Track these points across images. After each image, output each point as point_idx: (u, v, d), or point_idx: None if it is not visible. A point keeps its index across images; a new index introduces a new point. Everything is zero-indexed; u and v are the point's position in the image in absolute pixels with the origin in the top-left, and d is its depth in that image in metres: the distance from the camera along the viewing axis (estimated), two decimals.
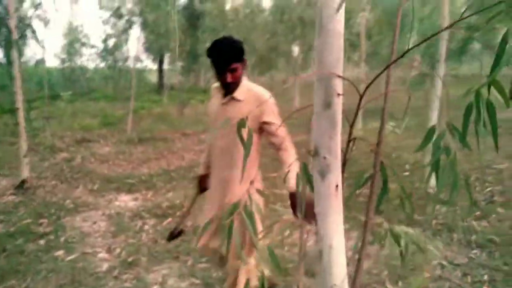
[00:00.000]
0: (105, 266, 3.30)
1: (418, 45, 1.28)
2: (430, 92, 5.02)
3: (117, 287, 2.96)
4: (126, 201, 4.99)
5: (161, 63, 24.02)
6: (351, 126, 1.21)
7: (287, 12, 15.33)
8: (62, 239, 3.83)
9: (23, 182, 5.33)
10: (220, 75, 2.09)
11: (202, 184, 2.47)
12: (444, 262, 3.16)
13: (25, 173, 5.40)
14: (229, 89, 2.13)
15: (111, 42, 18.16)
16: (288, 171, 2.00)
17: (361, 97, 1.19)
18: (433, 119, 4.75)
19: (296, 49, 22.32)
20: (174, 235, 2.52)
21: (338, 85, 1.13)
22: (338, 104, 1.14)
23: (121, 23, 18.54)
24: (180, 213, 2.44)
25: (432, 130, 1.17)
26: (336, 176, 1.17)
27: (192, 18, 20.80)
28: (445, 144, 1.14)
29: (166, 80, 25.45)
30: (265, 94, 2.14)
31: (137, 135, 9.26)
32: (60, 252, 3.54)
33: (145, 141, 8.85)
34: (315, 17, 1.12)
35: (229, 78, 2.07)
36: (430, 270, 2.98)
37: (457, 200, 4.28)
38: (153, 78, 25.78)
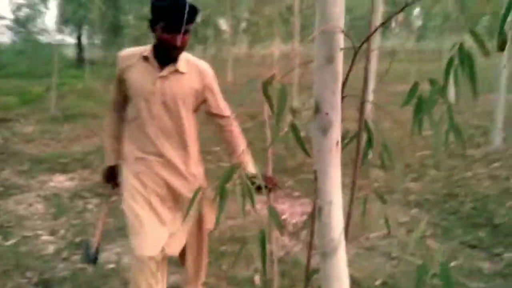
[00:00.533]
0: (51, 248, 3.11)
1: (400, 11, 1.32)
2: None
3: (69, 269, 2.80)
4: (61, 181, 4.69)
5: (79, 36, 22.48)
6: (343, 85, 1.23)
7: None
8: None
9: None
10: (171, 37, 1.76)
11: (114, 178, 2.08)
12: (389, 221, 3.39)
13: None
14: (171, 57, 1.84)
15: (23, 13, 16.52)
16: (241, 155, 1.97)
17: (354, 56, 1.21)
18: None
19: (224, 23, 22.12)
20: (92, 258, 2.16)
21: (340, 40, 1.13)
22: (340, 59, 1.15)
23: None
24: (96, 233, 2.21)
25: (416, 84, 1.24)
26: (337, 132, 1.19)
27: None
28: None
29: (85, 54, 23.93)
30: (207, 66, 1.97)
31: (62, 113, 8.66)
32: None
33: (71, 119, 8.31)
34: None
35: (179, 42, 1.77)
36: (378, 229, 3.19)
37: (394, 164, 4.59)
38: (69, 53, 24.07)
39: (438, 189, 4.08)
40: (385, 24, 1.31)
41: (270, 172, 1.88)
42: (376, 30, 1.26)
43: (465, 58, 1.07)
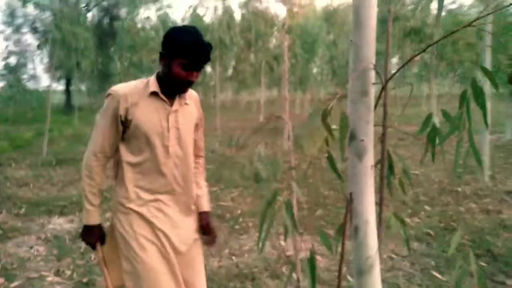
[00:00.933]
0: None
1: (421, 52, 1.51)
2: None
3: None
4: (61, 223, 4.66)
5: (68, 83, 22.73)
6: (384, 117, 1.37)
7: (207, 33, 15.55)
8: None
9: None
10: (188, 74, 1.73)
11: (103, 236, 1.89)
12: (393, 255, 3.47)
13: None
14: (183, 92, 1.82)
15: (13, 59, 16.75)
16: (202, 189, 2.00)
17: (383, 88, 1.36)
18: None
19: (211, 70, 22.68)
20: None
21: (372, 76, 1.29)
22: (372, 92, 1.30)
23: (25, 39, 17.22)
24: None
25: (429, 115, 1.40)
26: (370, 157, 1.32)
27: (104, 35, 20.09)
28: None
29: (73, 101, 24.09)
30: (197, 94, 1.98)
31: (54, 157, 8.65)
32: (1, 280, 3.21)
33: (63, 163, 8.30)
34: (353, 14, 1.27)
35: (196, 79, 1.77)
36: (384, 262, 3.26)
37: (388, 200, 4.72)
38: (56, 99, 24.20)
39: (435, 223, 4.20)
40: (401, 68, 1.50)
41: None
42: (397, 71, 1.43)
43: (478, 91, 1.24)
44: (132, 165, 1.80)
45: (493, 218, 4.41)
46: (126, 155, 1.80)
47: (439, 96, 13.38)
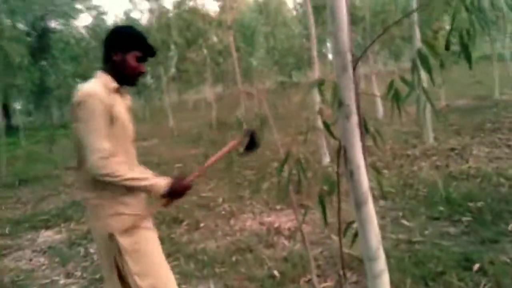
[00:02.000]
0: (75, 287, 3.29)
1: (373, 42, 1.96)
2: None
3: None
4: (50, 236, 4.78)
5: (6, 103, 21.66)
6: (356, 87, 1.81)
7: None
8: (5, 281, 3.60)
9: None
10: (141, 66, 1.88)
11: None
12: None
13: None
14: (136, 84, 1.93)
15: None
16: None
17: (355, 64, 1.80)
18: None
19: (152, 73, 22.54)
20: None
21: (349, 56, 1.72)
22: (350, 68, 1.73)
23: None
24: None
25: (391, 82, 1.87)
26: (355, 117, 1.75)
27: (35, 49, 19.31)
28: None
29: (13, 121, 23.04)
30: None
31: (16, 178, 8.51)
32: None
33: (27, 183, 8.20)
34: (328, 8, 1.69)
35: (145, 69, 1.92)
36: None
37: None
38: None
39: (395, 183, 4.79)
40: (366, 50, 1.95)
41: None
42: (364, 52, 1.88)
43: (424, 58, 1.70)
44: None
45: (442, 171, 5.09)
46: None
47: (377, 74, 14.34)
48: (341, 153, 1.83)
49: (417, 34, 6.82)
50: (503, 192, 4.07)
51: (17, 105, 24.01)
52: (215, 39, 18.95)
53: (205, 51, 18.40)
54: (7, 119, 21.48)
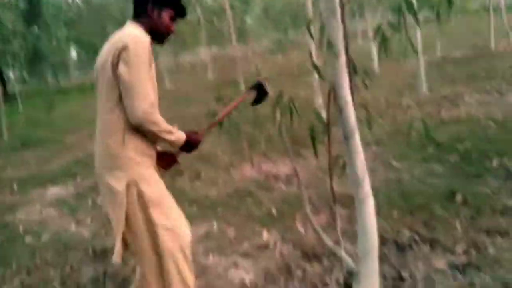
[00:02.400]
0: (87, 233, 3.52)
1: None
2: None
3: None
4: (58, 191, 4.99)
5: (1, 70, 21.54)
6: (344, 29, 1.92)
7: None
8: (20, 230, 3.83)
9: None
10: (172, 25, 1.91)
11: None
12: None
13: None
14: (165, 43, 1.97)
15: None
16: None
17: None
18: None
19: None
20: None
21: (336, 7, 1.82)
22: (339, 12, 1.83)
23: None
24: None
25: (379, 26, 1.99)
26: (343, 58, 1.88)
27: (30, 16, 18.99)
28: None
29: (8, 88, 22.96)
30: None
31: (18, 141, 8.69)
32: (29, 238, 3.60)
33: (29, 146, 8.36)
34: None
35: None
36: None
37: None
38: None
39: (387, 130, 4.97)
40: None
41: None
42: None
43: (408, 3, 1.81)
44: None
45: (434, 118, 5.25)
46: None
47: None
48: (331, 91, 1.98)
49: None
50: (490, 133, 4.25)
51: (11, 73, 23.86)
52: None
53: (198, 10, 18.11)
54: (3, 87, 21.41)
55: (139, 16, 1.85)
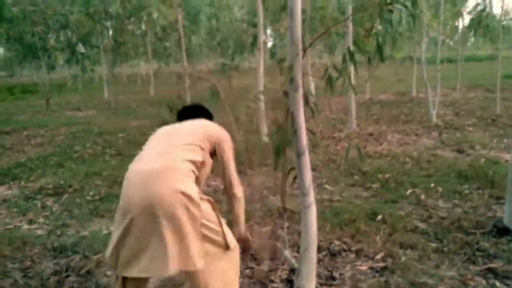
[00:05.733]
0: (41, 231, 3.66)
1: (321, 35, 2.62)
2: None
3: (73, 239, 3.45)
4: (3, 190, 4.97)
5: None
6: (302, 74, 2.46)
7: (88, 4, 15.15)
8: None
9: None
10: None
11: None
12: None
13: None
14: None
15: None
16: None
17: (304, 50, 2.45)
18: None
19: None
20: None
21: (300, 45, 2.35)
22: (301, 54, 2.35)
23: None
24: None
25: (327, 68, 2.56)
26: (301, 90, 2.40)
27: None
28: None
29: None
30: None
31: None
32: None
33: None
34: (288, 8, 2.30)
35: None
36: None
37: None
38: None
39: (321, 158, 5.61)
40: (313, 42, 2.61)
41: None
42: (311, 44, 2.54)
43: (350, 54, 2.39)
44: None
45: (357, 151, 5.98)
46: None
47: (312, 64, 15.34)
48: (289, 117, 2.49)
49: (351, 32, 7.70)
50: (407, 167, 5.03)
51: None
52: (155, 15, 18.80)
53: (143, 26, 18.25)
54: None
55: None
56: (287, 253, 2.90)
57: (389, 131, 7.44)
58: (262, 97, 6.59)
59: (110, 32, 19.63)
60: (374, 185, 4.48)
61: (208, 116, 2.48)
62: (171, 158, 1.89)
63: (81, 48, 21.74)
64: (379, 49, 2.69)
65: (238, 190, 2.25)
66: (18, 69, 38.38)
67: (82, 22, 16.52)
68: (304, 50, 2.44)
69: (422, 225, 3.42)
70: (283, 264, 2.88)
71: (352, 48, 2.55)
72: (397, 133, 7.26)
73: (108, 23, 18.41)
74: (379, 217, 3.56)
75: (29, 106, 15.04)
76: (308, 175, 2.52)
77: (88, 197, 4.53)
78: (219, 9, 18.31)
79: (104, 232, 3.61)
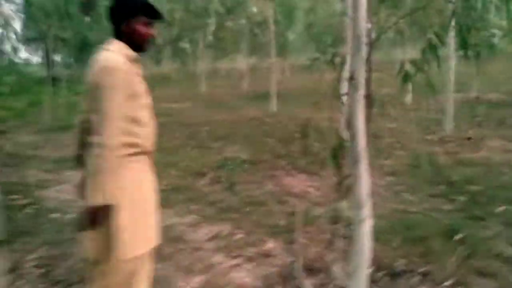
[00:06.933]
0: None
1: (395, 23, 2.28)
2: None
3: None
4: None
5: (48, 55, 22.65)
6: (369, 67, 2.15)
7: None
8: (50, 206, 4.17)
9: None
10: (150, 30, 1.84)
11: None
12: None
13: None
14: (146, 50, 1.87)
15: None
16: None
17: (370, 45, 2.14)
18: None
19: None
20: None
21: (364, 39, 2.06)
22: (364, 50, 2.07)
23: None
24: None
25: (402, 63, 2.21)
26: (362, 91, 2.11)
27: (85, 6, 19.93)
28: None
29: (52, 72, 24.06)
30: None
31: (57, 124, 9.25)
32: (57, 215, 3.93)
33: (69, 128, 8.85)
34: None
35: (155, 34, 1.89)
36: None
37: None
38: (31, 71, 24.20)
39: (405, 163, 5.12)
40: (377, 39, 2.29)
41: None
42: (379, 36, 2.22)
43: (432, 45, 2.03)
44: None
45: (453, 158, 5.36)
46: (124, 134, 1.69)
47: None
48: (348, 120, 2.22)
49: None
50: (504, 180, 4.34)
51: (58, 58, 25.01)
52: (254, 10, 19.05)
53: (243, 21, 18.59)
54: (49, 71, 22.49)
55: (117, 34, 1.81)
56: (338, 269, 2.63)
57: (492, 135, 6.55)
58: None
59: (210, 28, 20.36)
60: (460, 198, 3.93)
61: None
62: None
63: (183, 44, 22.99)
64: (463, 40, 2.29)
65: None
66: None
67: (184, 19, 17.37)
68: (371, 43, 2.16)
69: (509, 251, 2.88)
70: (332, 281, 2.61)
71: (433, 39, 2.19)
72: (501, 138, 6.36)
73: (208, 20, 19.10)
74: (458, 236, 3.09)
75: None
76: (364, 185, 2.22)
77: (163, 186, 4.66)
78: (316, 2, 17.94)
79: (166, 223, 3.66)
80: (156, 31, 1.86)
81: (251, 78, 19.22)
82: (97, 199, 1.61)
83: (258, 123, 8.73)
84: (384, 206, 3.66)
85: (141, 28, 1.80)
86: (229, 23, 19.93)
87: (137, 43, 1.81)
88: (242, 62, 24.13)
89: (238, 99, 14.05)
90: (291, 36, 21.51)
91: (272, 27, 11.24)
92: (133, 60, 1.78)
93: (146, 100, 1.83)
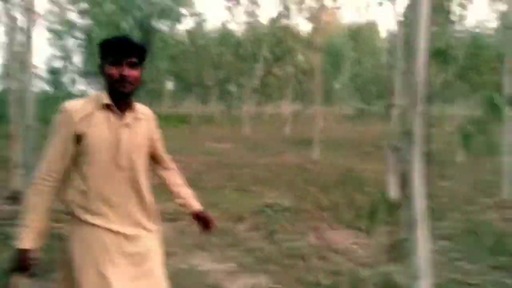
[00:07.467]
0: None
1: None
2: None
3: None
4: None
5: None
6: (429, 123, 1.99)
7: (239, 47, 16.38)
8: None
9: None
10: (119, 70, 1.65)
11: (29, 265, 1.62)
12: None
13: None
14: (125, 92, 1.67)
15: (56, 63, 17.87)
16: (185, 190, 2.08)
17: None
18: None
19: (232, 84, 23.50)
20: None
21: (421, 92, 1.90)
22: (420, 102, 1.90)
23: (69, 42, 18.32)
24: None
25: (463, 123, 2.02)
26: (419, 146, 1.93)
27: (146, 39, 21.00)
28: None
29: None
30: (152, 112, 1.89)
31: None
32: None
33: None
34: (406, 45, 1.89)
35: (127, 72, 1.64)
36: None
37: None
38: None
39: (459, 227, 4.72)
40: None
41: None
42: (440, 92, 2.05)
43: (493, 105, 1.85)
44: (80, 187, 1.67)
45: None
46: (75, 176, 1.67)
47: (462, 116, 13.78)
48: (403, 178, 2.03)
49: (508, 83, 6.61)
50: None
51: None
52: (301, 58, 19.40)
53: (290, 68, 18.91)
54: None
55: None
56: None
57: None
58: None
59: (258, 73, 20.88)
60: None
61: None
62: None
63: (230, 87, 23.61)
64: None
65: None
66: (180, 102, 43.38)
67: (232, 63, 17.91)
68: (429, 97, 1.99)
69: None
70: None
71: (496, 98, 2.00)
72: None
73: (256, 65, 19.60)
74: None
75: (179, 133, 16.61)
76: (424, 253, 2.00)
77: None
78: (362, 54, 18.06)
79: (199, 268, 3.49)
80: (130, 71, 1.65)
81: (294, 123, 19.24)
82: (20, 242, 1.59)
83: (300, 170, 8.55)
84: (440, 275, 3.31)
85: (108, 69, 1.65)
86: (276, 70, 20.34)
87: (110, 87, 1.67)
88: (286, 107, 24.35)
89: (280, 143, 14.00)
90: (336, 85, 21.63)
91: (318, 76, 11.29)
92: (104, 107, 1.67)
93: (105, 151, 1.66)
